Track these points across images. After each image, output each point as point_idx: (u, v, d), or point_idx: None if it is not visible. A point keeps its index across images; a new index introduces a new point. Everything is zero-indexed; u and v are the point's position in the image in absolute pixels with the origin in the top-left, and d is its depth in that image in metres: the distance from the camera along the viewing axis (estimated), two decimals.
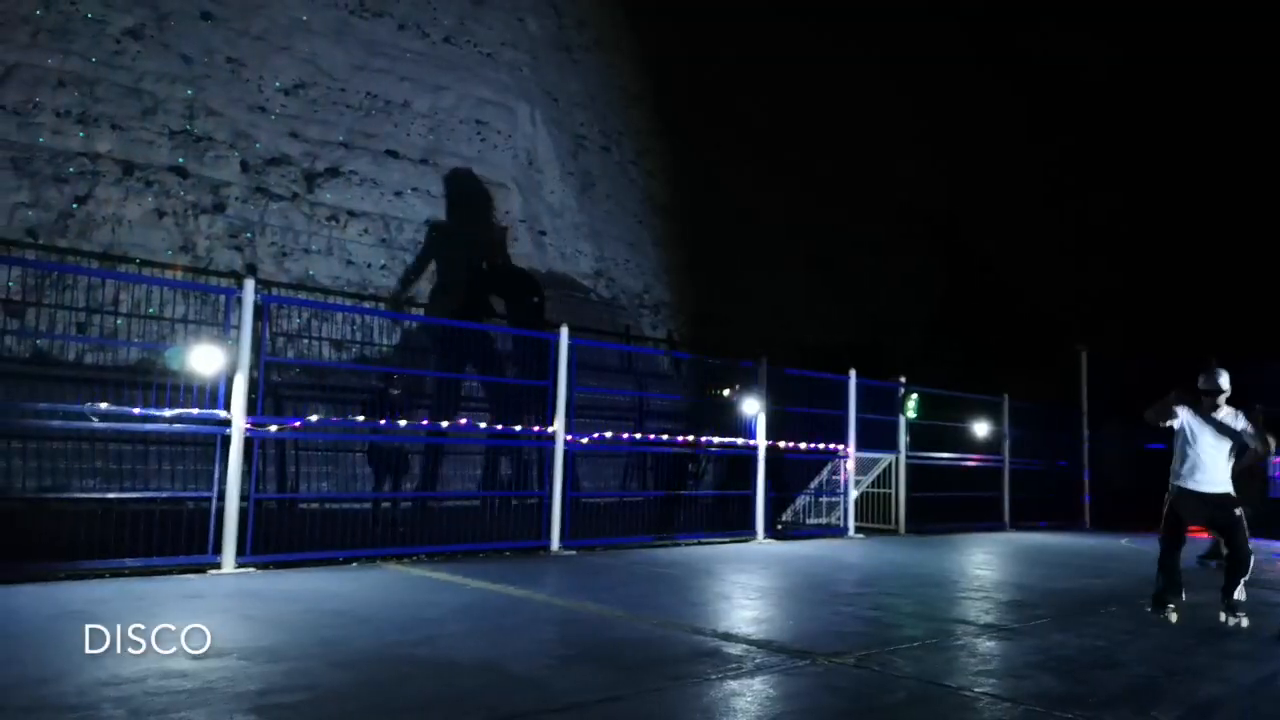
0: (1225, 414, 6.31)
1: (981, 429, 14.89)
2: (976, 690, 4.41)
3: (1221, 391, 6.29)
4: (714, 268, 18.84)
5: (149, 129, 11.83)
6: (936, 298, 22.86)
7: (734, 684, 4.38)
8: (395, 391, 9.99)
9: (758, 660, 4.87)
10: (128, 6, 11.93)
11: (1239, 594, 6.21)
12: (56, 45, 11.29)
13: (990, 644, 5.61)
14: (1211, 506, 6.31)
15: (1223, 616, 6.26)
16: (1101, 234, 23.93)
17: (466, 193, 14.94)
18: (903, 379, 13.83)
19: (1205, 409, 6.34)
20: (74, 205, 11.02)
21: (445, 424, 10.80)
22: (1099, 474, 16.71)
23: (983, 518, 14.61)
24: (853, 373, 13.06)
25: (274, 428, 8.50)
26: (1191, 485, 6.32)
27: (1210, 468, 6.27)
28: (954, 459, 14.57)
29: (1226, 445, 6.27)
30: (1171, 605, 6.28)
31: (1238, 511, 6.23)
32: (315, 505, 9.75)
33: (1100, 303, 22.75)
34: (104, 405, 7.11)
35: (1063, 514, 16.00)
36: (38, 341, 9.60)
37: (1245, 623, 6.20)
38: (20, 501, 8.01)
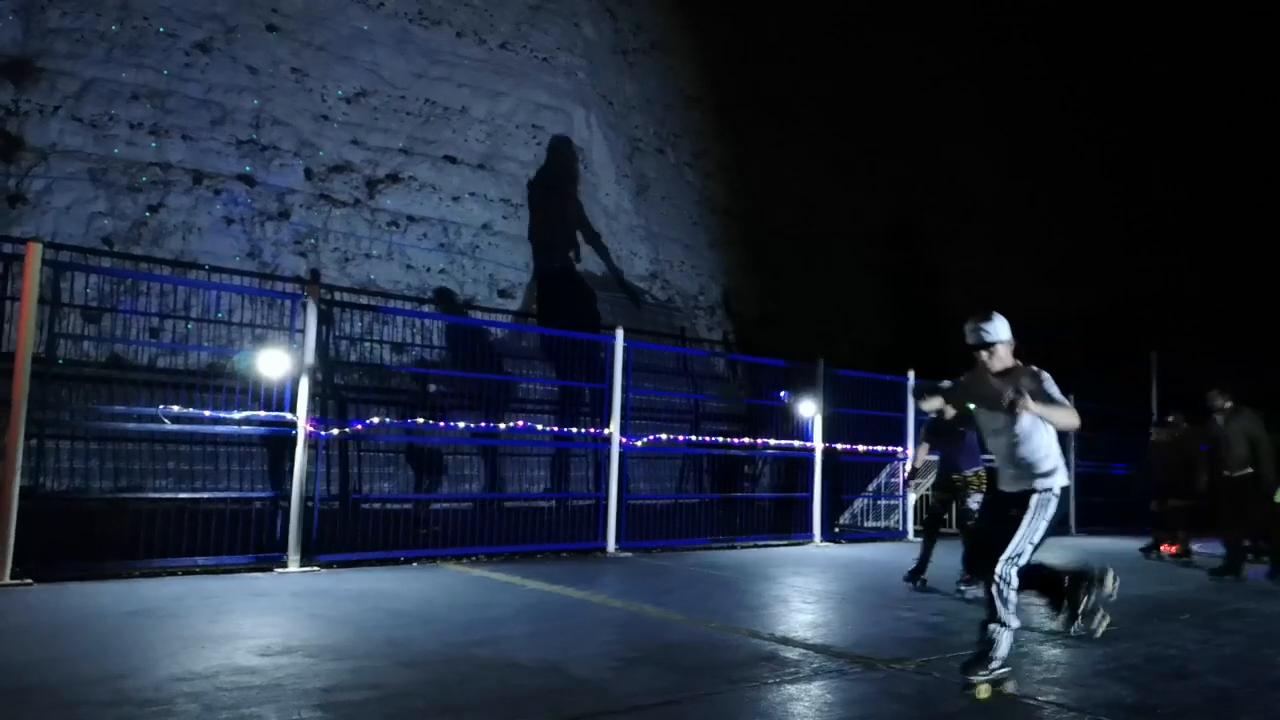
0: (1002, 379, 4.63)
1: None
2: (1041, 699, 4.33)
3: (985, 345, 4.67)
4: (772, 268, 18.75)
5: (217, 139, 12.17)
6: (992, 297, 22.43)
7: (792, 689, 4.36)
8: (433, 387, 10.16)
9: (815, 665, 4.84)
10: (197, 21, 12.29)
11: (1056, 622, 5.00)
12: (130, 60, 11.67)
13: (1055, 651, 5.50)
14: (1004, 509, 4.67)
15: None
16: (1172, 231, 23.30)
17: (523, 197, 15.08)
18: (962, 379, 13.59)
19: (978, 376, 4.80)
20: (147, 214, 11.39)
21: (503, 426, 10.92)
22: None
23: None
24: (911, 374, 12.89)
25: (335, 430, 8.69)
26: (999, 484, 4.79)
27: (1001, 459, 4.71)
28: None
29: (1010, 423, 4.58)
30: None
31: (1014, 513, 4.57)
32: (377, 506, 9.93)
33: (1172, 303, 22.14)
34: (176, 408, 7.33)
35: (1133, 518, 15.56)
36: (114, 346, 9.93)
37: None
38: (98, 501, 8.29)
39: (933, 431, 8.35)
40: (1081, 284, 22.96)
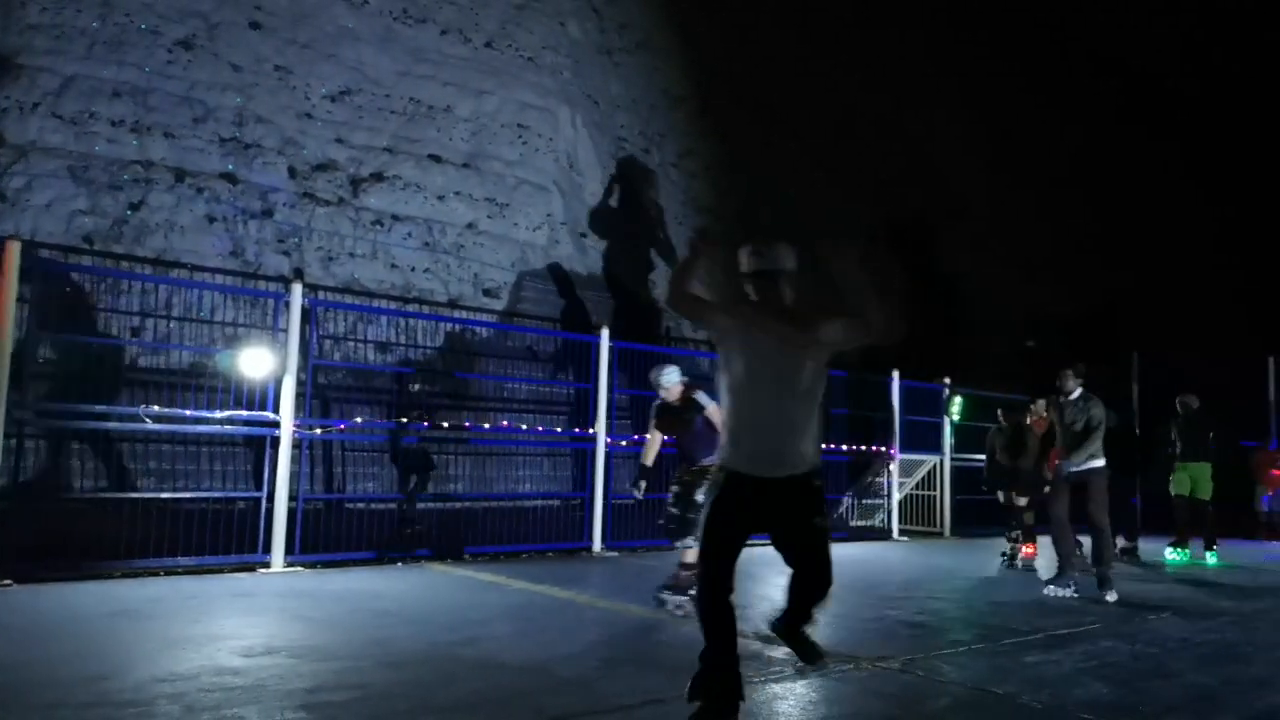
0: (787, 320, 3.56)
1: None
2: (1024, 697, 4.35)
3: (768, 275, 3.62)
4: None
5: (200, 137, 12.08)
6: (979, 297, 22.58)
7: (776, 688, 4.37)
8: (415, 387, 10.14)
9: (800, 664, 4.84)
10: (180, 18, 12.19)
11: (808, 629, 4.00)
12: (111, 56, 11.57)
13: (1039, 649, 5.53)
14: (772, 507, 3.60)
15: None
16: (1155, 232, 23.52)
17: (508, 196, 15.04)
18: (947, 380, 13.67)
19: (762, 307, 3.61)
20: (128, 212, 11.29)
21: (488, 425, 10.90)
22: (1149, 478, 16.38)
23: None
24: (895, 374, 12.94)
25: (319, 429, 8.64)
26: (738, 464, 3.55)
27: (767, 423, 3.49)
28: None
29: (795, 377, 3.48)
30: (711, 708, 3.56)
31: (820, 521, 3.76)
32: (361, 505, 9.88)
33: (1154, 304, 22.35)
34: (157, 408, 7.28)
35: (1113, 519, 15.67)
36: (95, 345, 9.85)
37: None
38: (78, 501, 8.22)
39: (660, 416, 6.71)
40: (1065, 284, 23.16)
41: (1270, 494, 14.95)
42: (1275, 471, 15.02)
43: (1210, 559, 10.53)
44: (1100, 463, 7.83)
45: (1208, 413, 11.10)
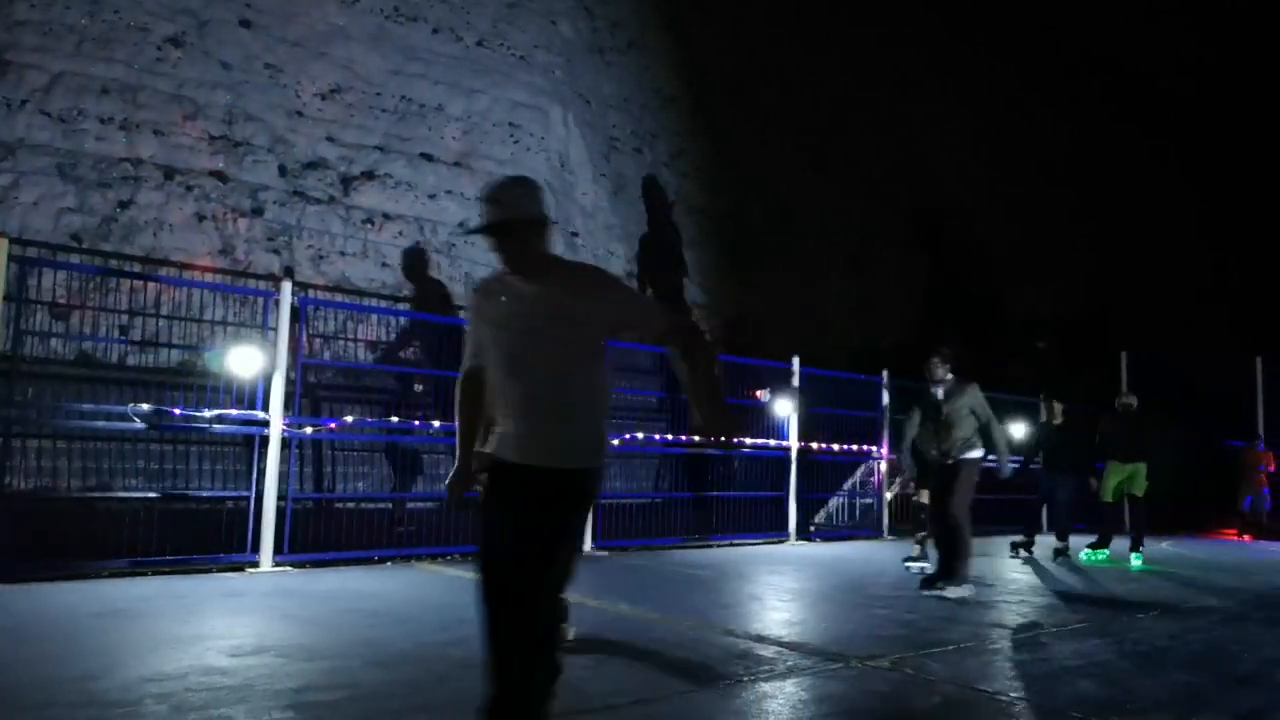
0: (547, 284, 2.92)
1: (1019, 430, 14.69)
2: (1013, 695, 4.37)
3: (501, 229, 2.91)
4: (750, 269, 18.79)
5: (189, 134, 12.03)
6: (971, 297, 22.67)
7: (766, 686, 4.37)
8: (418, 388, 10.11)
9: (790, 662, 4.85)
10: (169, 15, 12.14)
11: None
12: (100, 53, 11.51)
13: (1028, 648, 5.55)
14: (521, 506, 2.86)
15: None
16: (1144, 231, 23.63)
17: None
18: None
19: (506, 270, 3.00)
20: (117, 210, 11.23)
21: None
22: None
23: (1020, 520, 14.40)
24: (885, 374, 12.98)
25: (309, 429, 8.62)
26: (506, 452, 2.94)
27: (523, 411, 2.90)
28: (991, 462, 14.39)
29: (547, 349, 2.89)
30: None
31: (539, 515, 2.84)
32: (351, 505, 9.86)
33: (1144, 303, 22.46)
34: (145, 406, 7.25)
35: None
36: (82, 344, 9.79)
37: None
38: (65, 501, 8.18)
39: None
40: (1057, 283, 23.26)
41: (1253, 495, 15.03)
42: (1260, 472, 15.11)
43: (1135, 561, 10.01)
44: (975, 453, 7.35)
45: (1145, 412, 10.96)
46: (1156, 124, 23.89)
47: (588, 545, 9.55)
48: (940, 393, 7.47)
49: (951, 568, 7.15)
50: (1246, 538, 14.53)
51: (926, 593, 7.22)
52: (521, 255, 2.94)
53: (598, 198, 17.09)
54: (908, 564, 8.97)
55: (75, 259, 10.35)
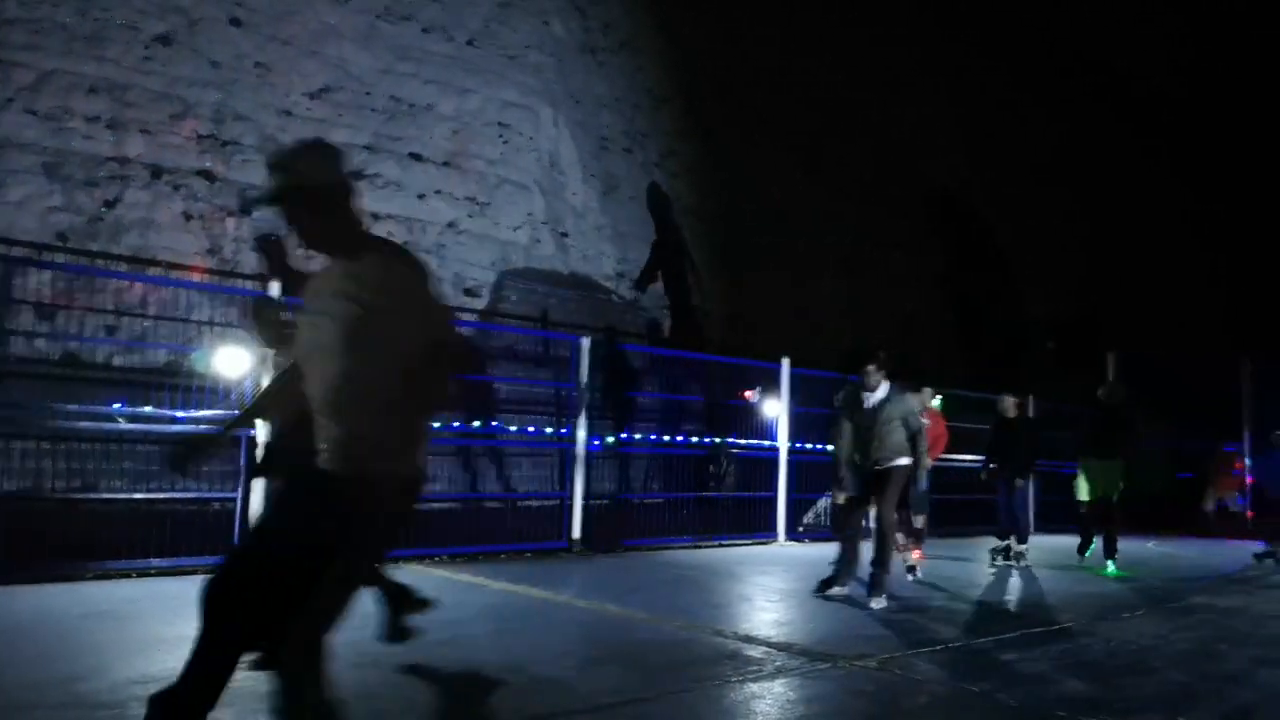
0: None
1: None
2: (1001, 695, 4.37)
3: (280, 198, 2.76)
4: (741, 269, 18.81)
5: (178, 134, 11.97)
6: (964, 298, 22.74)
7: (755, 686, 4.37)
8: None
9: (779, 663, 4.85)
10: (159, 14, 12.07)
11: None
12: (89, 52, 11.44)
13: (1016, 647, 5.56)
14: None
15: None
16: (1133, 232, 23.75)
17: (490, 195, 15.00)
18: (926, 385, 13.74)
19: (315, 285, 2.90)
20: (104, 209, 11.17)
21: (477, 424, 10.86)
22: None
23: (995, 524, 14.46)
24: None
25: None
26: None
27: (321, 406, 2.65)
28: (977, 462, 14.44)
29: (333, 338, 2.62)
30: None
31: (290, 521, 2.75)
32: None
33: (1129, 302, 22.57)
34: (129, 407, 7.20)
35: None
36: (68, 344, 9.74)
37: None
38: (50, 502, 8.12)
39: None
40: (1049, 285, 23.34)
41: (1224, 497, 14.94)
42: (1227, 475, 14.97)
43: (1110, 569, 9.43)
44: (904, 461, 7.10)
45: (1131, 409, 10.27)
46: (1148, 125, 24.00)
47: (576, 546, 9.54)
48: (873, 400, 7.15)
49: (876, 578, 6.85)
50: (1224, 537, 14.41)
51: (819, 595, 6.95)
52: (313, 229, 2.68)
53: (588, 198, 17.08)
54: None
55: (62, 258, 10.29)
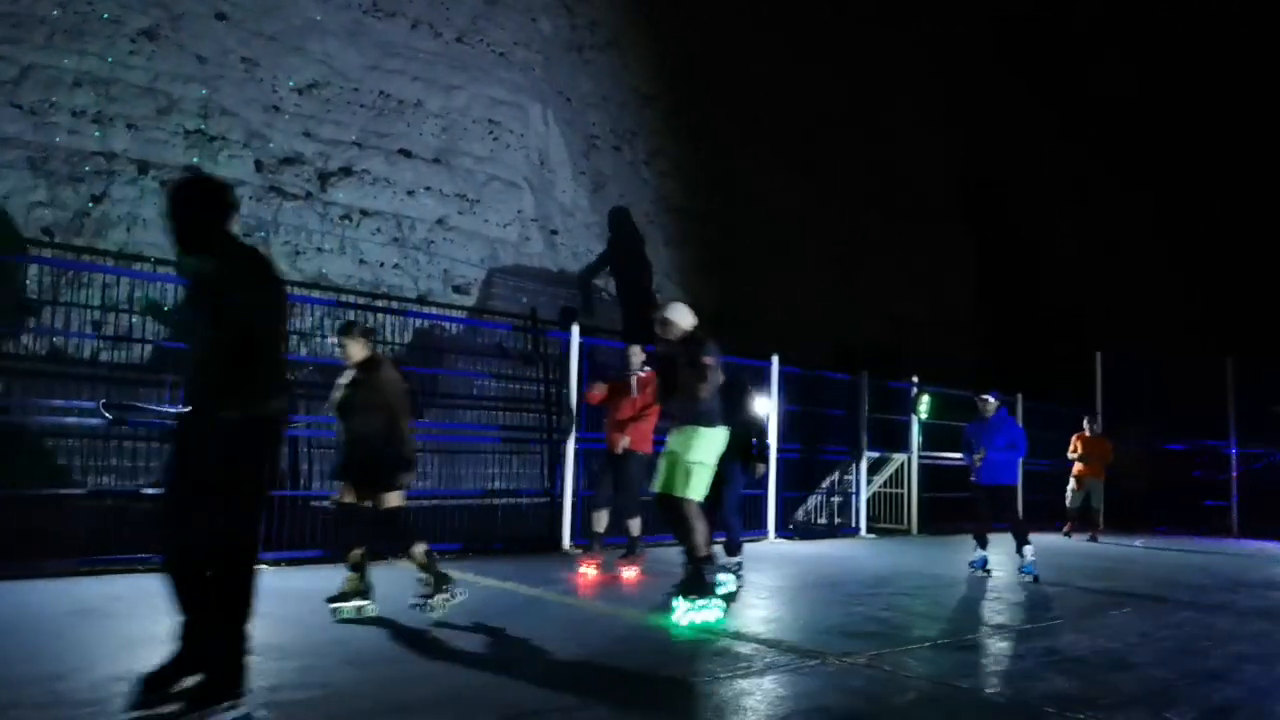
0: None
1: None
2: (988, 691, 4.39)
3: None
4: (730, 267, 18.82)
5: (163, 129, 11.89)
6: (956, 298, 22.82)
7: (744, 683, 4.37)
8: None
9: (768, 659, 4.86)
10: (143, 7, 11.98)
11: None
12: (73, 46, 11.35)
13: (1003, 645, 5.58)
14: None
15: None
16: (1124, 235, 23.89)
17: (478, 192, 14.96)
18: (915, 379, 13.78)
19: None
20: (89, 204, 11.09)
21: (467, 420, 10.83)
22: (1113, 476, 16.56)
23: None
24: (864, 373, 13.03)
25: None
26: None
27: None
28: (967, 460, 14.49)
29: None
30: None
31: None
32: (326, 503, 9.77)
33: (1119, 304, 22.70)
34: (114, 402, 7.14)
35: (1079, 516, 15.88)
36: (54, 339, 9.66)
37: None
38: (35, 498, 8.06)
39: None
40: (1033, 286, 23.46)
41: (1080, 489, 13.74)
42: (1097, 462, 13.70)
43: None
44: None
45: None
46: (1133, 129, 24.12)
47: (566, 543, 9.52)
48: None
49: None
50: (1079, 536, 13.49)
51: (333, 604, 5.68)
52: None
53: (577, 195, 17.06)
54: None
55: (47, 253, 10.20)
